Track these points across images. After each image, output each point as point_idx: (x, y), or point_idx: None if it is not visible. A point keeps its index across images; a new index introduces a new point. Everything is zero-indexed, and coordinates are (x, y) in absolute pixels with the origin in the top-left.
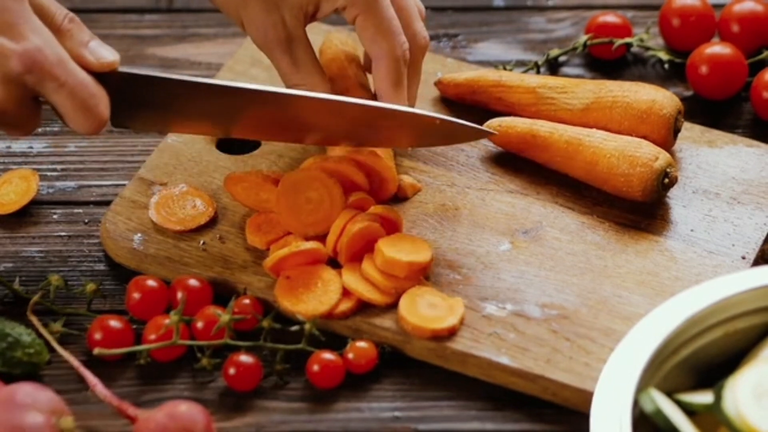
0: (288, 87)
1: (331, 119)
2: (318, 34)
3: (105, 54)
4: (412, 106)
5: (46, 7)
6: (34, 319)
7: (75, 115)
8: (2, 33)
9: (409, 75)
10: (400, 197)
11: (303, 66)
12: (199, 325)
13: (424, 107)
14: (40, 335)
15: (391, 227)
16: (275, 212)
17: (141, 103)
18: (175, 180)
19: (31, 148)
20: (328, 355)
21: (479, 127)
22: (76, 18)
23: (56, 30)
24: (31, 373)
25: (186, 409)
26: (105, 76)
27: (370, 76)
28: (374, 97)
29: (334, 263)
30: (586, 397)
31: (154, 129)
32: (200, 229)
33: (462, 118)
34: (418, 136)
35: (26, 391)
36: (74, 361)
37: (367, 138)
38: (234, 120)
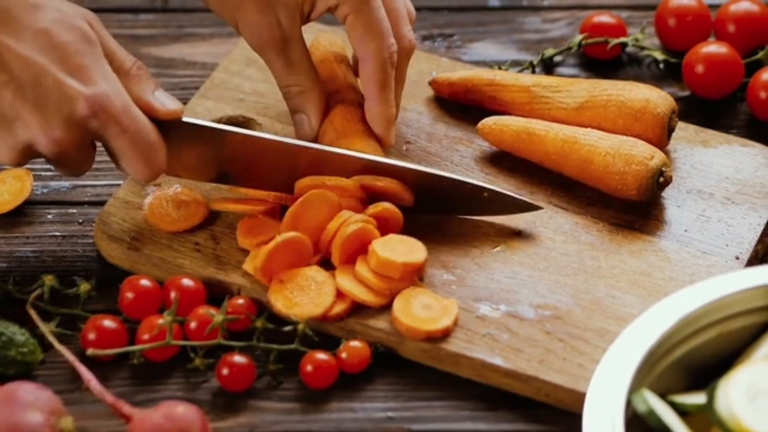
0: (281, 88)
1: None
2: (311, 34)
3: (170, 102)
4: (397, 108)
5: (116, 52)
6: (33, 314)
7: (134, 161)
8: (73, 74)
9: (395, 78)
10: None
11: (297, 67)
12: (193, 325)
13: (418, 107)
14: (33, 335)
15: (390, 225)
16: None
17: (198, 153)
18: (169, 181)
19: None
20: (321, 356)
21: (527, 199)
22: (144, 66)
23: (124, 75)
24: (24, 373)
25: (183, 411)
26: (165, 126)
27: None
28: (362, 98)
29: (325, 265)
30: (580, 397)
31: (201, 178)
32: (194, 230)
33: (456, 117)
34: (467, 207)
35: (27, 389)
36: (69, 356)
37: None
38: (291, 178)
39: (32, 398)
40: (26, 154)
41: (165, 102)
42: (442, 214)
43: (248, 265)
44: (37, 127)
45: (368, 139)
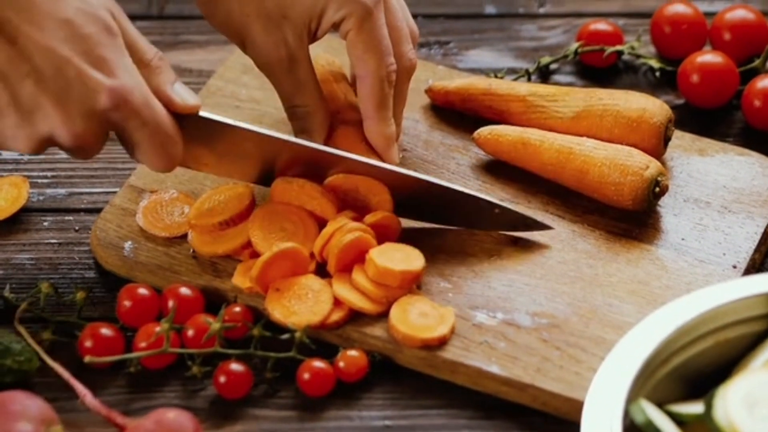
0: (287, 108)
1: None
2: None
3: (188, 96)
4: (398, 127)
5: (137, 43)
6: (22, 330)
7: (152, 153)
8: (95, 67)
9: (394, 96)
10: None
11: (304, 87)
12: (190, 333)
13: (414, 115)
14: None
15: (388, 234)
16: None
17: (213, 147)
18: (166, 188)
19: (21, 155)
20: (318, 364)
21: (538, 219)
22: (165, 57)
23: (145, 66)
24: (21, 381)
25: (174, 417)
26: (182, 118)
27: None
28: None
29: (320, 273)
30: (577, 406)
31: (212, 172)
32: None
33: (453, 127)
34: (477, 220)
35: (17, 399)
36: (64, 373)
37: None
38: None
39: (21, 408)
40: (44, 145)
41: (184, 95)
42: (443, 224)
43: (238, 279)
44: (58, 119)
45: (371, 158)
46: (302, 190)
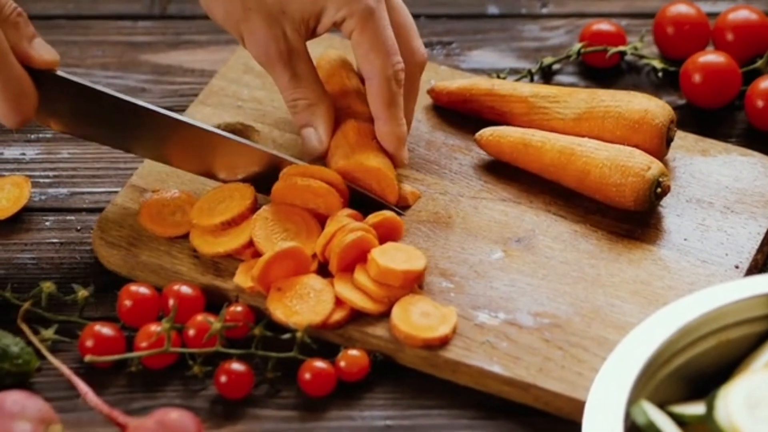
0: (288, 102)
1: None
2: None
3: (46, 53)
4: (409, 122)
5: None
6: (24, 327)
7: (2, 105)
8: None
9: (406, 91)
10: (401, 206)
11: (304, 80)
12: (191, 332)
13: (417, 116)
14: (29, 343)
15: (390, 234)
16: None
17: (70, 108)
18: (167, 187)
19: (23, 154)
20: (319, 364)
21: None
22: (24, 13)
23: (2, 21)
24: (20, 382)
25: (177, 417)
26: (39, 75)
27: None
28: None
29: (321, 272)
30: (579, 406)
31: (77, 135)
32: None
33: (454, 127)
34: None
35: (14, 399)
36: (66, 370)
37: None
38: (151, 144)
39: (20, 408)
40: None
41: (41, 51)
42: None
43: (240, 279)
44: None
45: (382, 156)
46: (307, 189)
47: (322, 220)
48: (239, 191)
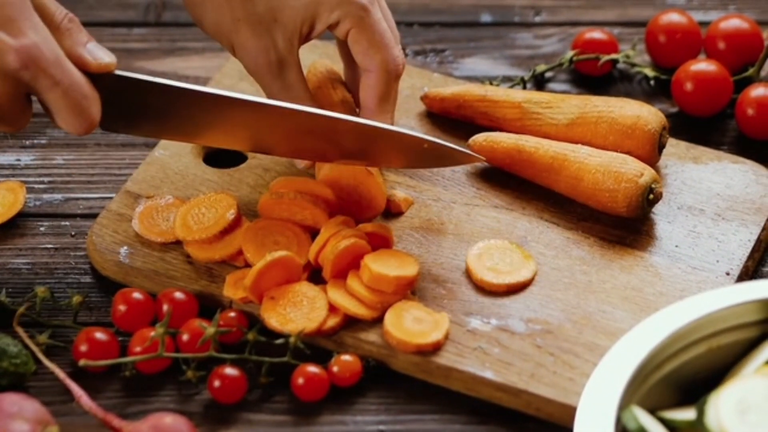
0: None
1: (320, 135)
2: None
3: (102, 55)
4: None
5: (46, 5)
6: (20, 331)
7: (66, 114)
8: (1, 28)
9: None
10: (393, 212)
11: (293, 91)
12: (185, 337)
13: (410, 122)
14: (26, 346)
15: (380, 244)
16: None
17: (134, 107)
18: (162, 193)
19: (18, 160)
20: (312, 369)
21: (467, 151)
22: (75, 18)
23: (55, 29)
24: (17, 383)
25: (171, 421)
26: (99, 79)
27: None
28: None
29: (313, 279)
30: (570, 412)
31: (145, 134)
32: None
33: (448, 134)
34: (406, 158)
35: (12, 400)
36: (60, 373)
37: (357, 156)
38: (225, 130)
39: (17, 409)
40: None
41: (97, 55)
42: (385, 165)
43: (229, 291)
44: None
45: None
46: (293, 202)
47: (312, 232)
48: (219, 201)
